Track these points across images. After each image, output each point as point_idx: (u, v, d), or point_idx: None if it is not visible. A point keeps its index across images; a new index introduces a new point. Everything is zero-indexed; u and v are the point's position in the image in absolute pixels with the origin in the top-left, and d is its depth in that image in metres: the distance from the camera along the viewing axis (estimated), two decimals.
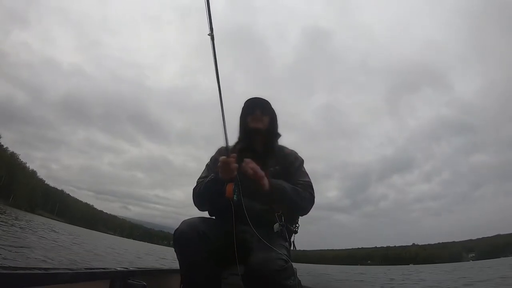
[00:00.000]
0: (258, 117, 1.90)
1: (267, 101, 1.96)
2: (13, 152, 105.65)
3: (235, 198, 1.61)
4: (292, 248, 1.80)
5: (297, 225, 1.93)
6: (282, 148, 2.00)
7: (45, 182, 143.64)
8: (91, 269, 1.54)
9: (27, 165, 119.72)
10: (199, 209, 1.85)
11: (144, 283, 1.74)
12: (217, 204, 1.75)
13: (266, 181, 1.64)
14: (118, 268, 1.77)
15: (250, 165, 1.63)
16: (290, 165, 1.91)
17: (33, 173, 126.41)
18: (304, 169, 1.95)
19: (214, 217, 1.85)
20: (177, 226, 1.60)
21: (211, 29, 1.49)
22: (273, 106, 1.99)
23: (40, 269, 1.17)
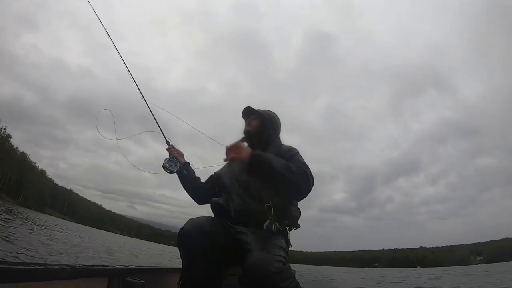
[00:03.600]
0: (248, 123, 2.15)
1: (251, 107, 2.17)
2: (23, 152, 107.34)
3: (173, 170, 2.16)
4: (288, 248, 1.77)
5: (298, 226, 1.94)
6: (280, 145, 2.09)
7: (54, 181, 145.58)
8: (90, 266, 1.52)
9: (37, 164, 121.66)
10: (197, 202, 2.22)
11: (143, 281, 1.73)
12: (196, 190, 2.23)
13: (246, 155, 1.64)
14: (117, 266, 1.76)
15: (230, 150, 1.67)
16: (282, 156, 1.87)
17: (43, 172, 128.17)
18: (300, 156, 1.92)
19: (218, 215, 1.88)
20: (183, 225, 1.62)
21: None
22: (277, 109, 2.27)
23: (39, 265, 1.17)
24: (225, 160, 1.70)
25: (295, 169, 1.66)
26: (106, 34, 2.42)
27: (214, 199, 1.97)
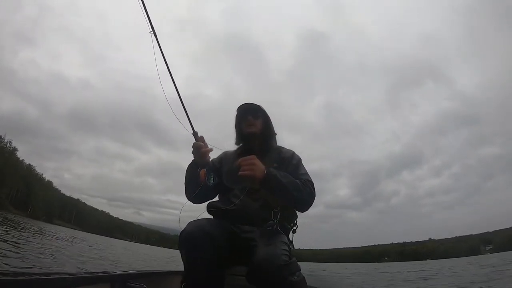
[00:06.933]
0: (251, 122, 1.96)
1: (257, 105, 2.02)
2: (29, 164, 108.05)
3: (211, 182, 1.71)
4: (291, 247, 1.75)
5: (296, 225, 1.92)
6: (280, 148, 2.04)
7: (61, 192, 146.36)
8: (91, 273, 1.53)
9: (43, 176, 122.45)
10: (189, 200, 1.84)
11: (144, 286, 1.73)
12: (198, 189, 1.78)
13: (260, 173, 1.57)
14: (118, 271, 1.78)
15: (244, 165, 1.57)
16: (287, 164, 1.90)
17: (49, 183, 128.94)
18: (303, 166, 1.93)
19: (218, 218, 1.83)
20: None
21: (152, 27, 1.74)
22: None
23: (40, 274, 1.18)
24: (238, 175, 1.55)
25: (303, 188, 1.70)
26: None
27: (212, 201, 1.93)
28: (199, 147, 1.72)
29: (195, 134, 1.76)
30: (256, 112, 2.00)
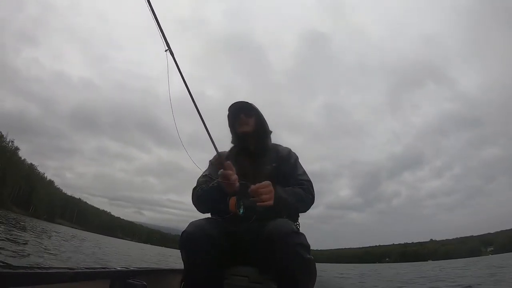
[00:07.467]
0: (244, 121, 1.94)
1: (249, 103, 1.96)
2: (31, 163, 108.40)
3: (241, 211, 1.63)
4: None
5: (298, 223, 1.89)
6: (276, 146, 2.03)
7: (63, 191, 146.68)
8: (91, 268, 1.51)
9: (45, 175, 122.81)
10: (199, 211, 1.85)
11: (144, 283, 1.72)
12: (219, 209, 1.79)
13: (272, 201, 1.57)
14: (119, 268, 1.76)
15: (261, 193, 1.55)
16: (285, 162, 1.91)
17: (51, 183, 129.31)
18: (301, 166, 1.95)
19: (219, 218, 1.81)
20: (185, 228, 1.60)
21: (168, 45, 1.62)
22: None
23: (41, 268, 1.18)
24: (258, 203, 1.54)
25: (305, 197, 1.78)
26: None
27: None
28: (229, 176, 1.61)
29: (221, 155, 1.72)
30: (248, 110, 1.96)
